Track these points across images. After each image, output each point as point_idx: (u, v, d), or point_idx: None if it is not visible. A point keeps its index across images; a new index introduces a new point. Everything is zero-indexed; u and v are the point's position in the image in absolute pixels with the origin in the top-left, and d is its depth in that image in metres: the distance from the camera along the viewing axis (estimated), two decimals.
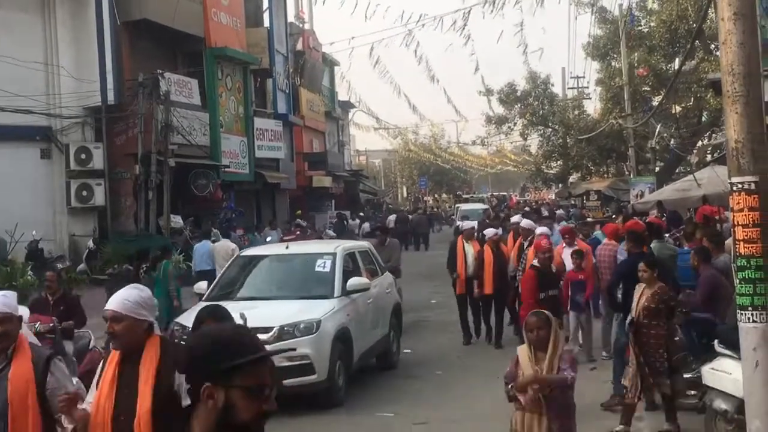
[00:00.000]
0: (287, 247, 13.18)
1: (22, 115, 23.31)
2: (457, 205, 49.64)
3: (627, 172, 40.59)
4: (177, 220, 25.87)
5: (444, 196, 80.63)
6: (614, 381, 10.15)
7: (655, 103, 34.26)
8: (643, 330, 8.57)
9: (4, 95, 21.93)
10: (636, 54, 36.43)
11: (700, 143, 35.75)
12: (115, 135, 26.20)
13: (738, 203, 5.86)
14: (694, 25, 27.53)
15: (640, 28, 37.61)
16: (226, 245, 19.34)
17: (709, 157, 30.47)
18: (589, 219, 29.18)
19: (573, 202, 45.36)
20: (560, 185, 54.69)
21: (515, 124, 48.46)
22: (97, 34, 25.34)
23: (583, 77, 45.66)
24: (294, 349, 10.13)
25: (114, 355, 4.71)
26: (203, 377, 2.62)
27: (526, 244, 13.70)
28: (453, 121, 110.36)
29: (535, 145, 51.86)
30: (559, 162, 49.54)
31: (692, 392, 9.26)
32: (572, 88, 47.58)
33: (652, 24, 36.47)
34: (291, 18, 44.45)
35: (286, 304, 11.05)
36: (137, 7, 26.51)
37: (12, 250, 22.17)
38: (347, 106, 56.94)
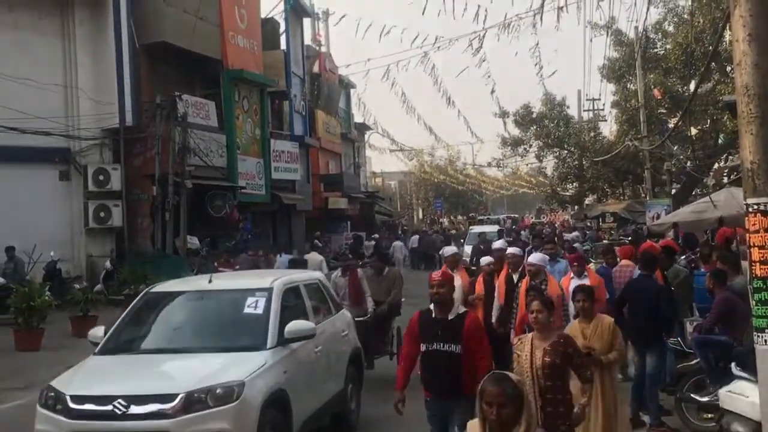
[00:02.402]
0: (210, 281, 9.95)
1: (42, 136, 23.54)
2: (470, 227, 48.08)
3: (643, 194, 40.50)
4: (193, 241, 25.95)
5: (460, 217, 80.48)
6: (632, 404, 10.13)
7: (671, 125, 34.20)
8: (547, 396, 6.52)
9: (23, 117, 22.13)
10: (652, 76, 36.43)
11: (716, 165, 35.63)
12: (132, 156, 26.38)
13: (753, 224, 5.85)
14: (710, 47, 27.53)
15: (656, 50, 37.66)
16: (315, 256, 20.67)
17: (725, 179, 30.36)
18: (605, 241, 29.12)
19: (589, 223, 45.25)
20: (576, 207, 54.60)
21: (531, 146, 48.53)
22: (116, 56, 25.56)
23: (599, 99, 45.83)
24: None
25: None
26: None
27: (516, 277, 11.33)
28: (469, 143, 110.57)
29: (551, 167, 51.90)
30: (574, 184, 49.54)
31: (709, 415, 9.24)
32: (588, 110, 47.65)
33: (668, 46, 36.49)
34: (308, 41, 44.76)
35: (201, 359, 8.47)
36: (156, 30, 26.75)
37: (30, 271, 22.32)
38: (363, 128, 57.09)
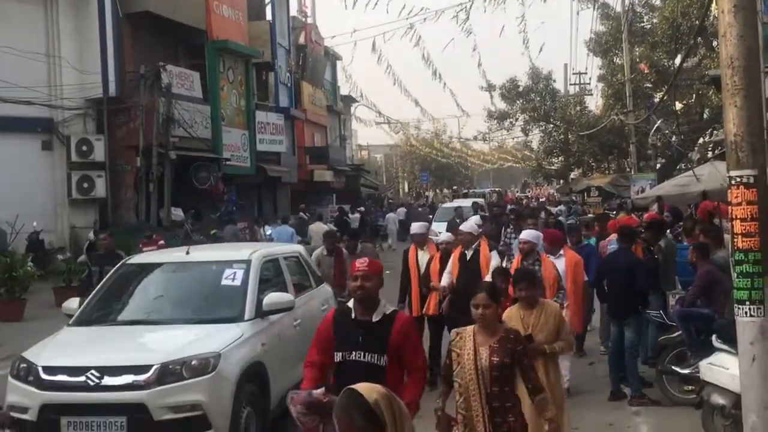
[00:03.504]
0: (188, 253, 9.71)
1: (24, 106, 23.34)
2: (454, 201, 44.96)
3: (628, 169, 40.58)
4: (178, 213, 25.84)
5: (446, 191, 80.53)
6: (611, 376, 10.19)
7: (656, 100, 34.22)
8: (494, 404, 5.57)
9: (5, 86, 21.93)
10: (638, 50, 36.39)
11: (701, 140, 35.71)
12: (116, 127, 26.18)
13: (736, 197, 5.85)
14: (697, 21, 27.50)
15: (642, 24, 37.58)
16: (321, 225, 21.16)
17: (710, 154, 30.46)
18: (589, 215, 29.17)
19: (574, 198, 45.34)
20: (561, 181, 54.67)
21: (517, 119, 48.45)
22: (99, 25, 25.32)
23: (585, 73, 45.69)
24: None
25: None
26: None
27: (469, 254, 10.49)
28: (455, 117, 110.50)
29: (537, 141, 51.90)
30: (560, 158, 49.61)
31: (690, 387, 9.30)
32: (574, 84, 47.55)
33: (654, 20, 36.43)
34: (294, 12, 44.47)
35: (177, 331, 8.34)
36: None
37: (13, 242, 22.19)
38: (349, 100, 56.91)
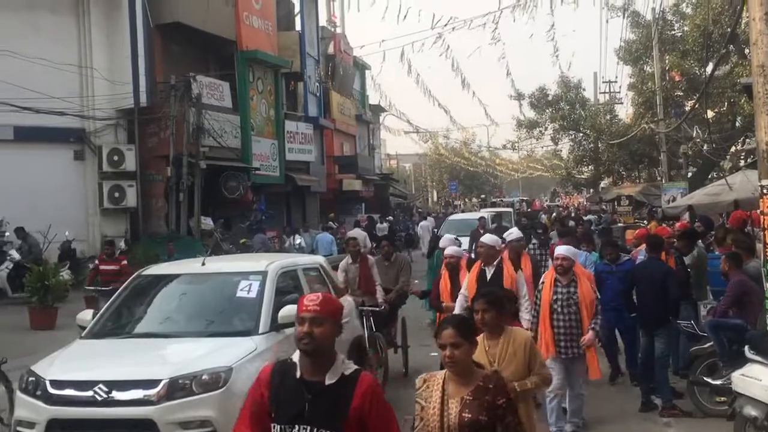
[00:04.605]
0: (203, 264, 9.59)
1: (56, 116, 23.60)
2: (481, 210, 42.32)
3: (659, 178, 40.27)
4: (207, 222, 26.01)
5: (474, 200, 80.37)
6: (642, 387, 10.09)
7: (687, 108, 33.95)
8: None
9: (38, 97, 22.17)
10: (668, 58, 36.14)
11: (733, 148, 35.36)
12: (147, 137, 26.44)
13: None
14: (728, 29, 27.26)
15: (673, 32, 37.32)
16: (359, 232, 21.45)
17: (742, 163, 30.16)
18: (619, 224, 28.99)
19: (604, 206, 45.05)
20: (591, 190, 54.38)
21: (546, 128, 48.29)
22: (130, 36, 25.59)
23: (615, 82, 45.50)
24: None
25: None
26: None
27: (491, 272, 9.44)
28: (484, 126, 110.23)
29: (566, 150, 51.71)
30: (590, 167, 49.38)
31: (722, 399, 9.19)
32: (604, 92, 47.41)
33: (685, 28, 36.15)
34: (323, 22, 44.63)
35: (189, 344, 8.13)
36: (170, 10, 26.75)
37: (45, 250, 22.44)
38: (378, 109, 56.99)
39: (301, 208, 38.62)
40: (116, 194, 25.43)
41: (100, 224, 25.75)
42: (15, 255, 21.43)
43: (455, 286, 9.90)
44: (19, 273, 20.29)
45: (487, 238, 9.90)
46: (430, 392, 4.44)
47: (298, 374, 4.03)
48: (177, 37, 27.82)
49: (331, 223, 34.29)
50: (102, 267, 16.22)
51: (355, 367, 4.11)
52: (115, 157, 25.33)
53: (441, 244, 11.80)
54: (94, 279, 16.17)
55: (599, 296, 9.11)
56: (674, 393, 10.05)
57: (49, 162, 24.47)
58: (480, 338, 5.67)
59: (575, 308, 8.59)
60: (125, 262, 16.52)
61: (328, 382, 3.97)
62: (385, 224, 39.37)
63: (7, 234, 22.95)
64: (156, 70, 26.46)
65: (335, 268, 12.14)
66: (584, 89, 47.55)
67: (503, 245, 10.19)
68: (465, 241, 14.81)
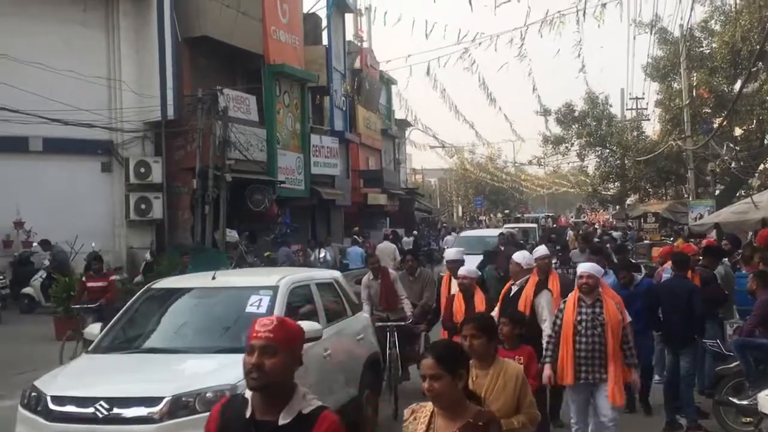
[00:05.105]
0: (214, 278, 9.33)
1: (85, 128, 23.82)
2: (504, 226, 41.68)
3: (686, 195, 40.00)
4: (232, 235, 26.09)
5: (499, 215, 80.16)
6: (666, 406, 9.99)
7: (715, 125, 33.73)
8: None
9: (67, 109, 22.40)
10: (695, 74, 35.95)
11: (761, 166, 35.07)
12: (173, 150, 26.61)
13: None
14: (757, 46, 27.07)
15: (701, 49, 37.13)
16: (388, 245, 21.37)
17: None
18: (646, 241, 28.78)
19: (630, 223, 44.78)
20: (617, 207, 54.09)
21: (572, 144, 48.17)
22: (158, 50, 25.79)
23: (643, 98, 45.31)
24: None
25: None
26: None
27: (514, 291, 9.17)
28: (510, 141, 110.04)
29: (593, 166, 51.52)
30: (616, 183, 49.13)
31: (748, 419, 9.07)
32: (631, 109, 47.19)
33: (713, 45, 35.96)
34: (350, 36, 44.85)
35: (195, 360, 7.93)
36: (198, 25, 26.96)
37: (72, 261, 22.63)
38: (404, 124, 57.09)
39: (325, 222, 38.69)
40: (142, 206, 25.60)
41: (126, 236, 25.93)
42: (45, 263, 21.67)
43: (469, 306, 9.41)
44: (52, 283, 20.52)
45: (516, 255, 9.62)
46: (417, 424, 4.11)
47: (248, 412, 3.51)
48: (205, 50, 28.02)
49: (355, 237, 34.30)
50: (89, 284, 15.63)
51: (318, 404, 3.58)
52: (142, 169, 25.52)
53: (447, 256, 11.21)
54: (82, 297, 15.62)
55: (630, 319, 8.41)
56: (699, 413, 9.94)
57: (76, 173, 24.73)
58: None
59: (600, 330, 7.85)
60: (113, 277, 16.11)
61: (281, 422, 3.47)
62: (410, 239, 39.36)
63: (34, 245, 23.22)
64: (184, 83, 26.65)
65: (359, 282, 12.05)
66: (611, 105, 47.47)
67: (533, 265, 9.45)
68: (473, 260, 13.81)
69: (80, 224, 23.53)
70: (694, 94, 35.56)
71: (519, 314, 5.73)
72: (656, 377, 12.14)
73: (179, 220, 26.96)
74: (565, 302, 8.19)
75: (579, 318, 7.93)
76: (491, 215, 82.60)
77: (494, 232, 28.29)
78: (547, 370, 7.90)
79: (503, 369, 5.33)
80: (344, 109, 41.17)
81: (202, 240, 25.60)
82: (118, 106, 25.35)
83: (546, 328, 8.54)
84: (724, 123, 26.88)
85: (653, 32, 36.42)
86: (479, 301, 9.41)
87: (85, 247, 23.16)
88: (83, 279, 16.16)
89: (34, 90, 21.64)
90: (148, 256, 24.46)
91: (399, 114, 54.34)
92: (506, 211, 74.40)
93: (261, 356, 3.44)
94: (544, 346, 8.23)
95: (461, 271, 9.94)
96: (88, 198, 24.85)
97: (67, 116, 22.82)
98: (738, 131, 34.76)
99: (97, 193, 25.45)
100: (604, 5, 14.01)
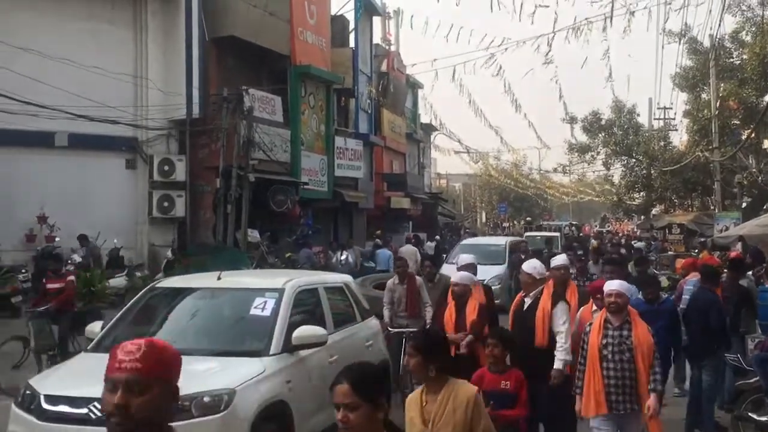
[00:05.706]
0: (219, 278, 9.11)
1: (110, 125, 23.92)
2: (526, 234, 40.37)
3: (712, 207, 39.64)
4: (254, 235, 26.10)
5: (522, 222, 79.86)
6: (687, 419, 9.84)
7: (743, 137, 33.42)
8: None
9: (93, 105, 22.52)
10: (723, 85, 35.63)
11: None
12: (197, 148, 26.69)
13: None
14: None
15: (731, 60, 36.82)
16: (410, 248, 21.90)
17: None
18: (670, 252, 28.51)
19: (655, 234, 44.44)
20: (642, 217, 53.69)
21: (598, 153, 47.89)
22: (185, 48, 25.90)
23: (671, 108, 44.98)
24: None
25: None
26: None
27: (527, 303, 8.27)
28: (535, 148, 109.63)
29: (618, 176, 51.18)
30: (642, 193, 48.78)
31: None
32: (658, 119, 46.85)
33: (744, 56, 35.63)
34: (377, 39, 44.79)
35: (193, 362, 7.25)
36: (225, 25, 27.03)
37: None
38: (429, 128, 56.95)
39: (348, 224, 38.64)
40: (165, 204, 25.70)
41: (148, 233, 26.03)
42: (76, 259, 21.75)
43: (460, 315, 8.87)
44: None
45: (526, 265, 8.65)
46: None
47: None
48: (232, 50, 28.08)
49: (377, 240, 34.19)
50: (48, 285, 14.17)
51: None
52: (166, 167, 25.62)
53: (460, 262, 10.69)
54: (42, 300, 14.13)
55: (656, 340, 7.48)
56: (718, 428, 9.78)
57: (101, 169, 24.86)
58: (418, 392, 4.94)
59: (629, 355, 7.10)
60: (71, 278, 14.77)
61: None
62: (432, 243, 39.22)
63: (57, 239, 23.34)
64: (210, 82, 26.73)
65: (381, 286, 11.81)
66: (638, 114, 47.15)
67: (546, 275, 8.68)
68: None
69: (103, 220, 23.68)
70: (723, 105, 35.22)
71: (509, 333, 5.37)
72: (675, 390, 12.01)
73: (201, 218, 27.04)
74: (591, 325, 7.45)
75: (605, 341, 7.19)
76: (514, 222, 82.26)
77: (501, 240, 27.30)
78: (578, 403, 7.32)
79: (454, 392, 4.81)
80: (369, 111, 41.13)
81: (224, 239, 25.63)
82: (144, 103, 25.46)
83: (559, 351, 7.87)
84: (752, 135, 26.58)
85: (682, 42, 36.14)
86: (471, 310, 8.86)
87: (107, 243, 23.32)
88: (44, 280, 14.86)
89: (61, 86, 21.73)
90: (169, 254, 24.53)
91: (424, 118, 54.26)
92: (528, 219, 73.73)
93: (126, 394, 2.71)
94: (557, 357, 7.81)
95: (453, 278, 9.34)
96: (111, 194, 24.97)
97: (93, 113, 22.93)
98: (766, 143, 34.37)
99: (121, 190, 25.56)
100: (632, 13, 13.88)
